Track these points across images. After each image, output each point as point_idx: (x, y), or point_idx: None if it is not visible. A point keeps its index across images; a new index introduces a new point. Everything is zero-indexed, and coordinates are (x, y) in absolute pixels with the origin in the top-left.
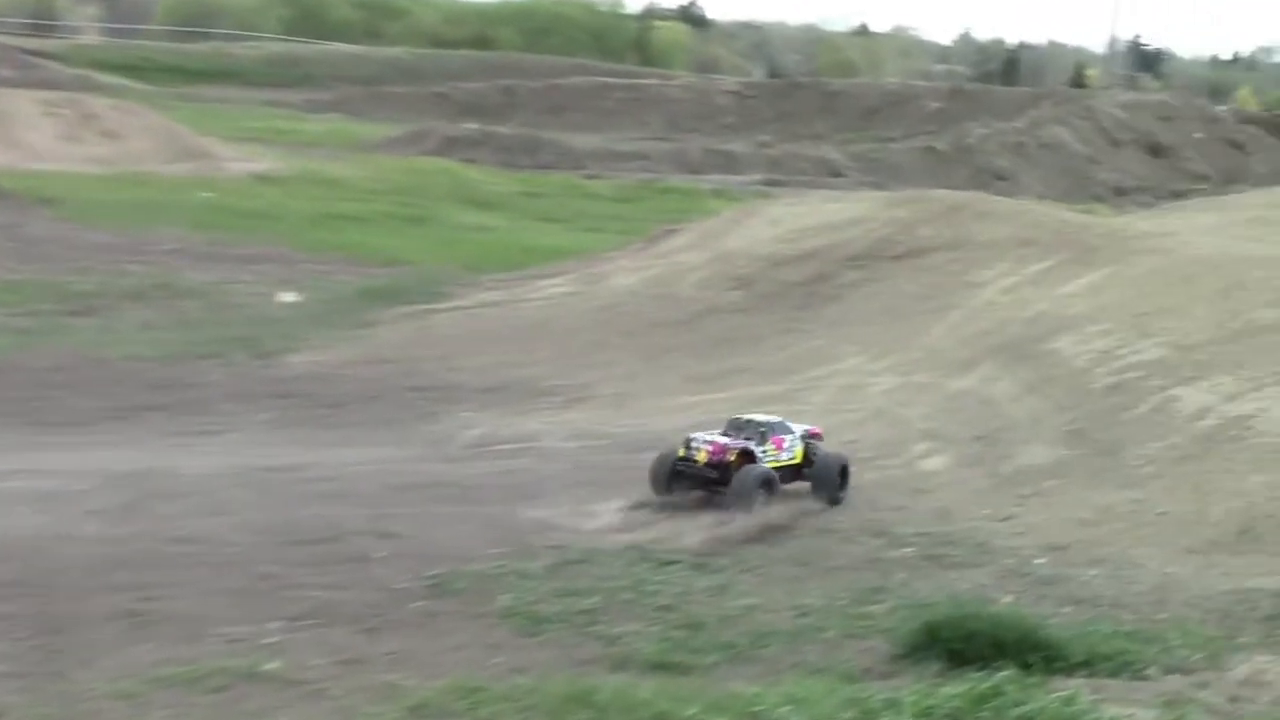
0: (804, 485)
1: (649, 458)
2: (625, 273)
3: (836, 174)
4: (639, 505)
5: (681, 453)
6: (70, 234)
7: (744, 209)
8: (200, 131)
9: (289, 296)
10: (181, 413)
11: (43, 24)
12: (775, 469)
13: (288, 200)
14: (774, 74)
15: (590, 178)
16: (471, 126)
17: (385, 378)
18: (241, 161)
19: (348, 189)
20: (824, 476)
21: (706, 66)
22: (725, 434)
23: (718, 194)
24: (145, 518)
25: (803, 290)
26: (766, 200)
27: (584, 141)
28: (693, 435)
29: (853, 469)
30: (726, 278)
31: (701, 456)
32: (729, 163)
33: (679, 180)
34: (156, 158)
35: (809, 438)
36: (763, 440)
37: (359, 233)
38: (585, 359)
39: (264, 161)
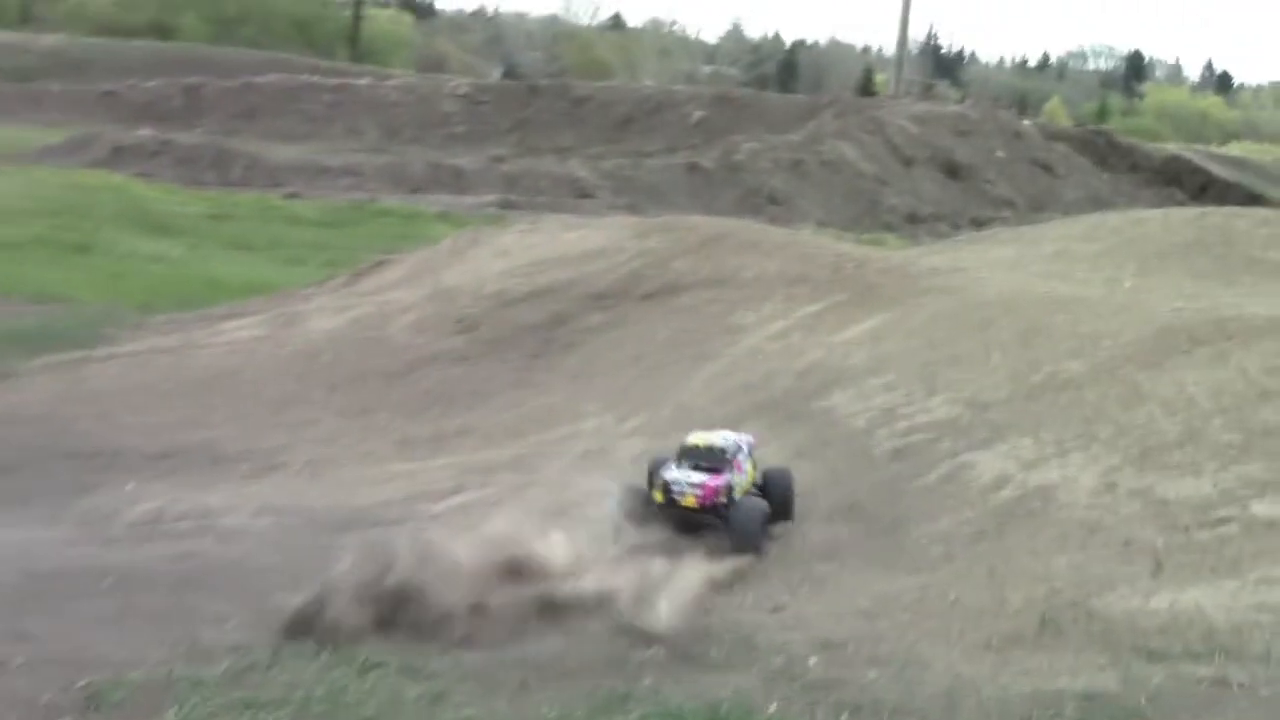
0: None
1: (353, 539)
2: (326, 313)
3: (585, 194)
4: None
5: (659, 497)
6: None
7: (467, 237)
8: None
9: None
10: None
11: None
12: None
13: None
14: (511, 75)
15: (290, 197)
16: (147, 133)
17: (29, 441)
18: None
19: None
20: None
21: (432, 64)
22: (696, 467)
23: (444, 218)
24: None
25: (537, 335)
26: (495, 227)
27: (283, 153)
28: (666, 477)
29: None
30: (446, 320)
31: (690, 501)
32: (457, 180)
33: (397, 201)
34: None
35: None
36: (732, 468)
37: (4, 262)
38: (277, 418)
39: None
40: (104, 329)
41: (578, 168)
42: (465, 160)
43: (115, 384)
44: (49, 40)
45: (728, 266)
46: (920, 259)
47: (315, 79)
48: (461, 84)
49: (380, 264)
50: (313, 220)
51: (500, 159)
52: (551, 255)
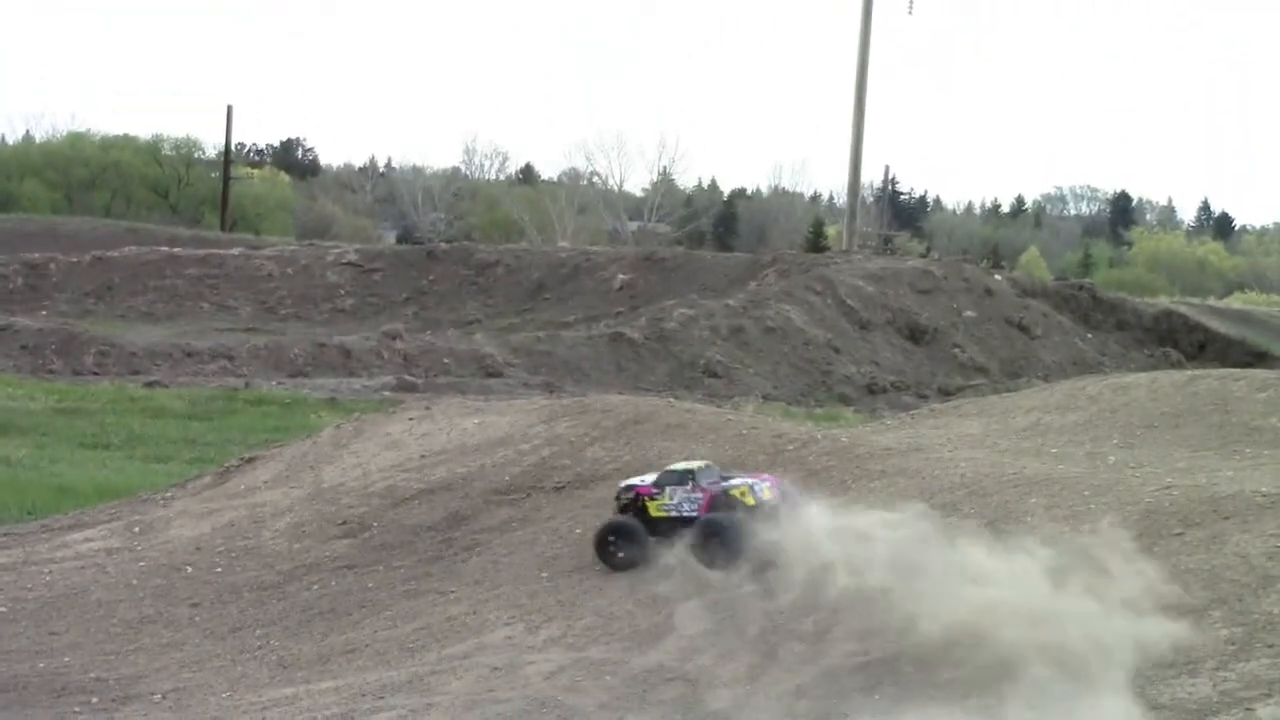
0: None
1: None
2: (188, 519)
3: (493, 373)
4: None
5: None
6: None
7: (350, 427)
8: None
9: None
10: None
11: None
12: None
13: None
14: (406, 239)
15: (151, 385)
16: None
17: None
18: None
19: None
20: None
21: (315, 229)
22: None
23: (330, 404)
24: None
25: (433, 537)
26: (381, 415)
27: (143, 336)
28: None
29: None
30: (327, 522)
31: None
32: (345, 361)
33: (275, 388)
34: None
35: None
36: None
37: None
38: (132, 641)
39: None
40: None
41: (484, 343)
42: (354, 338)
43: None
44: None
45: (651, 453)
46: (872, 436)
47: (178, 251)
48: (348, 251)
49: (251, 460)
50: (178, 412)
51: (395, 335)
52: (448, 445)
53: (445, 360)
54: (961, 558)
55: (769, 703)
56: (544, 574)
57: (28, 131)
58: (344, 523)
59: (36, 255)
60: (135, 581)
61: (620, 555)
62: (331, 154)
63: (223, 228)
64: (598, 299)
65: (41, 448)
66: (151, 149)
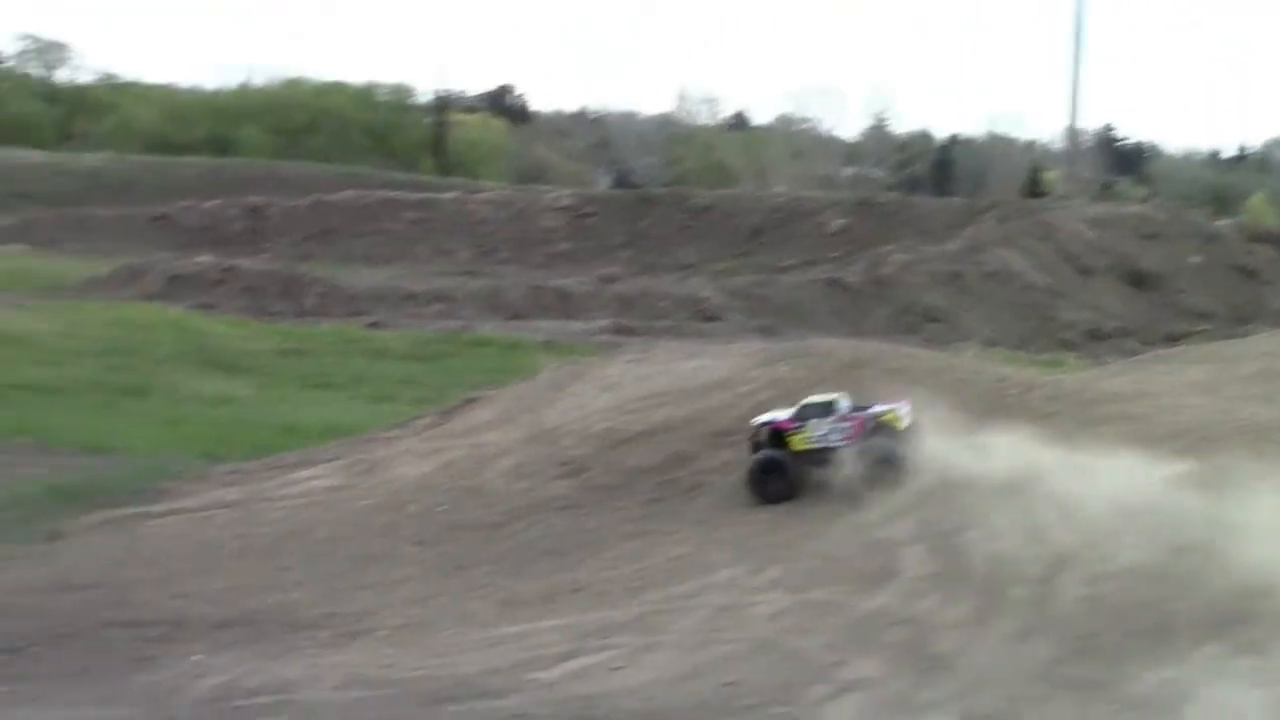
0: None
1: (453, 711)
2: (412, 458)
3: (711, 317)
4: None
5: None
6: None
7: (568, 369)
8: None
9: None
10: None
11: None
12: None
13: None
14: (622, 183)
15: (373, 327)
16: (206, 260)
17: (82, 610)
18: None
19: (34, 349)
20: None
21: (530, 174)
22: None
23: (549, 347)
24: None
25: (654, 478)
26: (598, 358)
27: (364, 278)
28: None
29: None
30: (548, 463)
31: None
32: (563, 304)
33: (494, 330)
34: None
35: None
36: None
37: (49, 410)
38: (359, 578)
39: None
40: (162, 482)
41: (701, 286)
42: (571, 281)
43: (176, 544)
44: (91, 160)
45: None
46: (1098, 382)
47: (396, 195)
48: (564, 195)
49: (472, 401)
50: (399, 353)
51: (612, 279)
52: (666, 388)
53: (661, 304)
54: (1203, 504)
55: (995, 647)
56: (765, 516)
57: (246, 78)
58: (564, 463)
59: (257, 199)
60: (360, 519)
61: (772, 488)
62: (542, 100)
63: (439, 173)
64: (813, 244)
65: (267, 388)
66: (366, 94)
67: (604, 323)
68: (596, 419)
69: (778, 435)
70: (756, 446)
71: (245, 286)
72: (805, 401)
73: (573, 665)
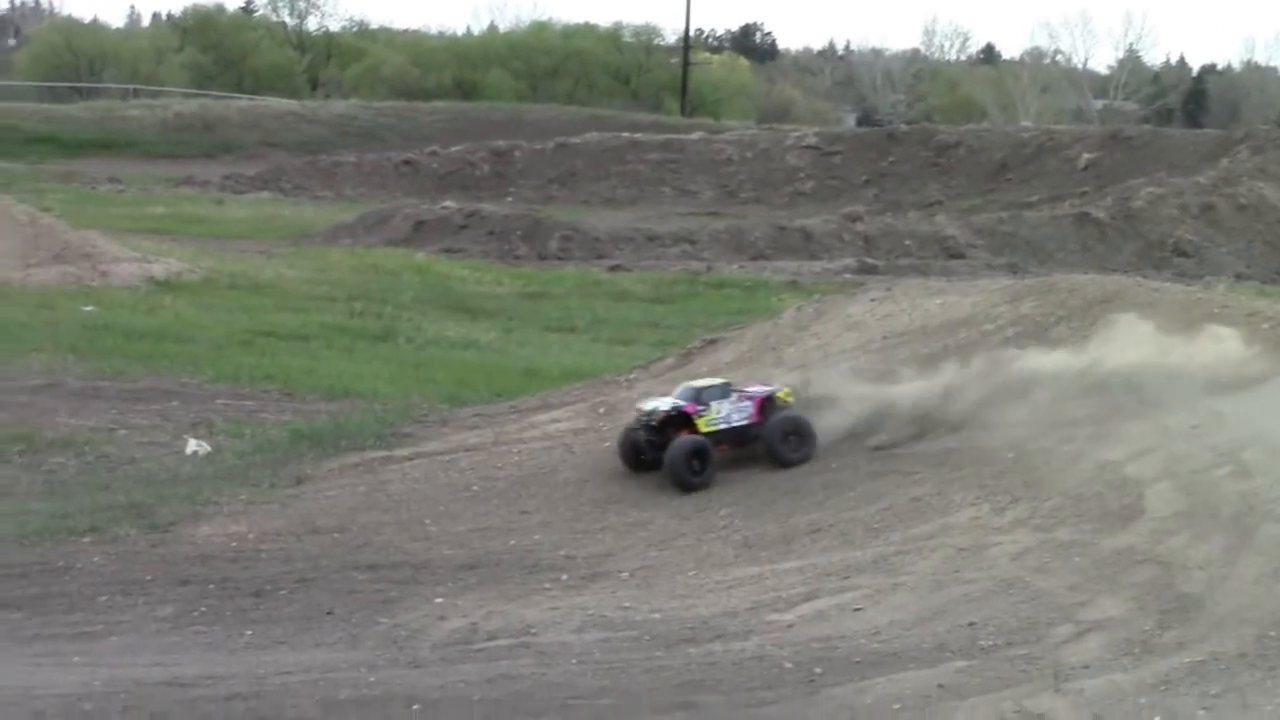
0: None
1: (692, 653)
2: (652, 401)
3: (955, 254)
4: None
5: (715, 415)
6: None
7: (810, 308)
8: (80, 224)
9: (196, 446)
10: (47, 610)
11: None
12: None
13: (199, 314)
14: (866, 121)
15: (615, 270)
16: (451, 205)
17: (326, 553)
18: (136, 262)
19: (282, 295)
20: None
21: (774, 114)
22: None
23: (791, 287)
24: None
25: None
26: (842, 296)
27: (606, 221)
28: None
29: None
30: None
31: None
32: (806, 244)
33: (737, 271)
34: (18, 261)
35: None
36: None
37: (295, 355)
38: (599, 520)
39: (168, 262)
40: (405, 426)
41: (946, 224)
42: (814, 221)
43: (419, 487)
44: (338, 108)
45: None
46: None
47: (639, 137)
48: (808, 134)
49: (713, 342)
50: (641, 295)
51: (855, 218)
52: (910, 326)
53: (906, 242)
54: None
55: (1245, 586)
56: (1010, 454)
57: (492, 22)
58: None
59: (502, 143)
60: (601, 462)
61: (699, 477)
62: (789, 38)
63: (682, 114)
64: (1062, 179)
65: (509, 331)
66: (612, 36)
67: (847, 261)
68: (839, 358)
69: (685, 419)
70: (652, 430)
71: (489, 231)
72: (694, 385)
73: (812, 607)
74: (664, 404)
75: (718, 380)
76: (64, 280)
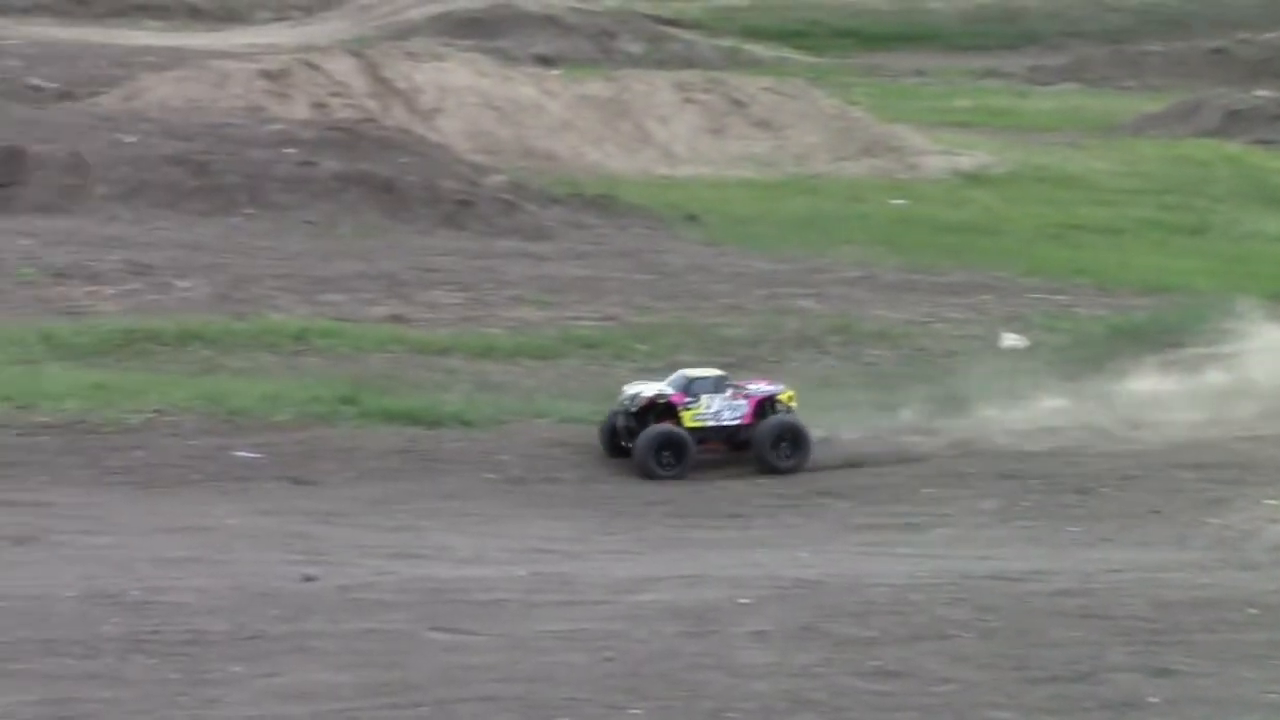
0: None
1: None
2: (637, 385)
3: None
4: None
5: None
6: (717, 260)
7: None
8: (887, 117)
9: (1013, 340)
10: (872, 500)
11: None
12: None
13: (1007, 207)
14: None
15: None
16: (1265, 95)
17: (1148, 451)
18: (944, 155)
19: (1090, 189)
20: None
21: None
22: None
23: None
24: (827, 644)
25: None
26: None
27: None
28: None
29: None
30: None
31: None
32: None
33: None
34: (828, 154)
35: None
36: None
37: (1107, 249)
38: None
39: (974, 155)
40: (1225, 322)
41: None
42: None
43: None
44: None
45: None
46: None
47: None
48: None
49: None
50: None
51: None
52: None
53: None
54: None
55: None
56: None
57: None
58: None
59: None
60: None
61: (668, 469)
62: None
63: None
64: None
65: None
66: None
67: None
68: None
69: (669, 409)
70: (631, 417)
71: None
72: (689, 374)
73: None
74: (649, 390)
75: (714, 372)
76: (873, 173)
